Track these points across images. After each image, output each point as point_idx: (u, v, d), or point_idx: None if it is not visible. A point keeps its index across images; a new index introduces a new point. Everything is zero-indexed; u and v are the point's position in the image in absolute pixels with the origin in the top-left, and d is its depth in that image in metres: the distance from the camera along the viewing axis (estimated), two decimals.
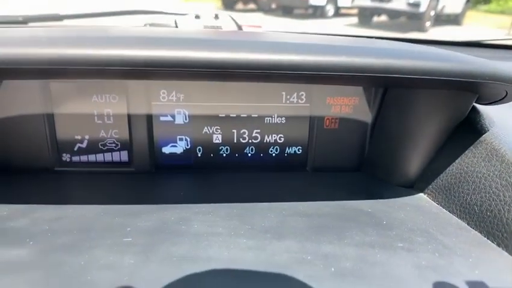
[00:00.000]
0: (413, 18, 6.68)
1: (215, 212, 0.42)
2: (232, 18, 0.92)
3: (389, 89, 0.49)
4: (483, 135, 0.45)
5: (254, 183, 0.50)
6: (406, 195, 0.48)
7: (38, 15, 0.94)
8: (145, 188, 0.48)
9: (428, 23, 6.66)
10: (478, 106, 0.49)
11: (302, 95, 0.51)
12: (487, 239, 0.39)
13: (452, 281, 0.31)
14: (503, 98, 0.44)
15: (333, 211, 0.43)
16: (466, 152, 0.45)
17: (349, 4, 7.21)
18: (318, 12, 7.21)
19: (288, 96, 0.51)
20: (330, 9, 7.25)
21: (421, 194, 0.49)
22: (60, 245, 0.35)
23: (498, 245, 0.38)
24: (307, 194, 0.47)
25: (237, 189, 0.48)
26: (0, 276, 0.30)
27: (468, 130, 0.47)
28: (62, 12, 0.96)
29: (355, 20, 6.95)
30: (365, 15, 6.88)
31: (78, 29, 0.62)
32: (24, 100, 0.47)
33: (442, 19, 7.39)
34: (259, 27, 1.18)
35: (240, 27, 0.90)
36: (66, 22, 0.95)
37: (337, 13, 7.45)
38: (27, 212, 0.40)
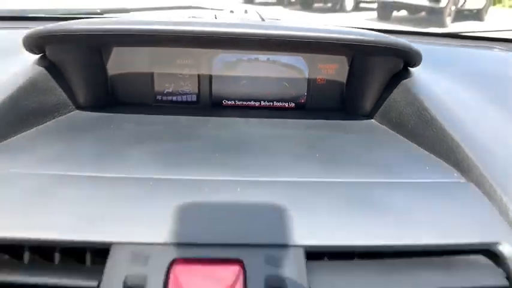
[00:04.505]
0: (434, 13, 6.73)
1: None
2: (258, 13, 1.20)
3: (354, 58, 0.73)
4: (405, 81, 0.65)
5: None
6: (363, 122, 0.72)
7: (110, 8, 1.25)
8: (202, 123, 0.75)
9: (448, 18, 6.71)
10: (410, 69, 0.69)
11: (304, 63, 0.79)
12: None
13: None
14: (414, 64, 0.66)
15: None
16: (396, 89, 0.66)
17: None
18: (337, 6, 7.36)
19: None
20: (349, 3, 7.40)
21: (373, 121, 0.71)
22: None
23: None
24: (302, 125, 0.73)
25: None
26: None
27: (398, 82, 0.67)
28: (128, 6, 1.28)
29: (374, 14, 7.07)
30: (385, 10, 6.98)
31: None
32: (132, 62, 0.77)
33: (464, 14, 7.39)
34: (278, 20, 1.46)
35: (263, 20, 1.18)
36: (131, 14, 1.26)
37: (357, 7, 7.58)
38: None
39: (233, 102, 0.81)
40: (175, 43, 0.69)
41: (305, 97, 0.80)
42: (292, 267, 0.32)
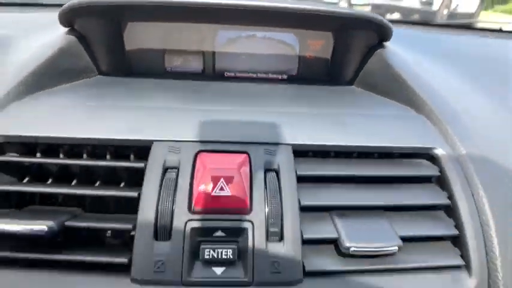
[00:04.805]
0: (426, 16, 6.91)
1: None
2: None
3: (336, 33, 0.86)
4: (379, 51, 0.76)
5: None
6: (345, 87, 0.84)
7: None
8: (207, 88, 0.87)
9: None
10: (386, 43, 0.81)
11: (295, 40, 0.92)
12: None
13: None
14: (386, 38, 0.77)
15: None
16: (373, 60, 0.79)
17: (362, 1, 7.51)
18: None
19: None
20: (343, 6, 7.59)
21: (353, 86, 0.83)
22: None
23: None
24: (291, 88, 0.85)
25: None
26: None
27: (373, 53, 0.78)
28: None
29: None
30: (378, 12, 7.16)
31: None
32: (146, 38, 0.88)
33: (456, 18, 7.58)
34: None
35: None
36: None
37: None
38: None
39: (234, 74, 0.93)
40: (184, 16, 0.80)
41: (296, 70, 0.93)
42: (284, 157, 0.44)
